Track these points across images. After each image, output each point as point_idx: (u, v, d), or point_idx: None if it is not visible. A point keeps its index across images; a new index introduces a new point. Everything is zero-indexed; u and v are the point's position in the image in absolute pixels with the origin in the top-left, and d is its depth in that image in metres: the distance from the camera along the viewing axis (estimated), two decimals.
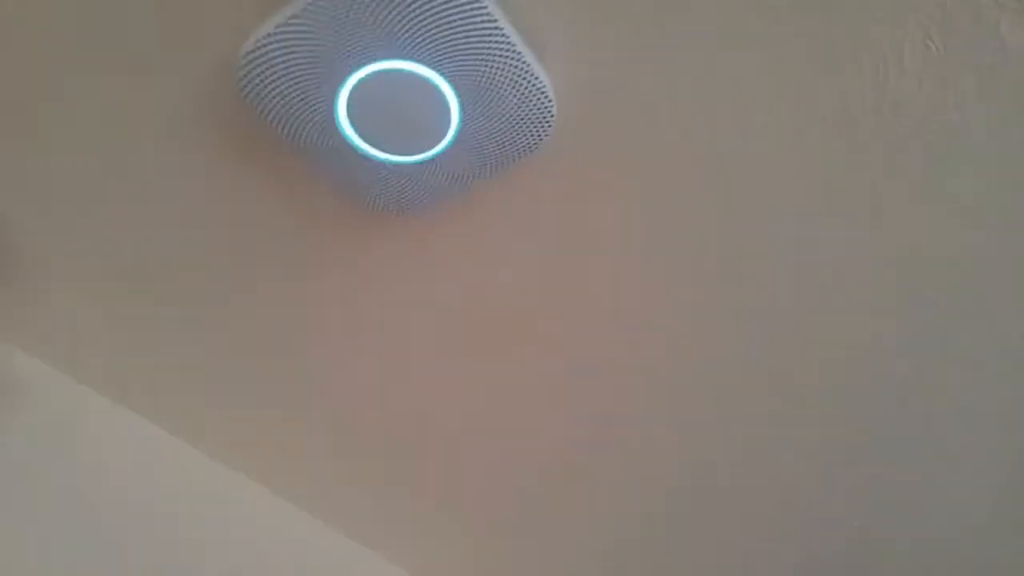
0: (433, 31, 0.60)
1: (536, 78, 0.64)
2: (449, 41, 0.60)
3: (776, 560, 1.30)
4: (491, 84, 0.64)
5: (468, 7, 0.59)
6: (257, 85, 0.64)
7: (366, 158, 0.68)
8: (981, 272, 0.82)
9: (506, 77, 0.64)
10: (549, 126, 0.68)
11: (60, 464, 0.99)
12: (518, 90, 0.65)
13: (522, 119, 0.67)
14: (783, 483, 1.11)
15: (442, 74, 0.62)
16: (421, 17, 0.59)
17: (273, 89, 0.64)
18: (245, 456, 1.17)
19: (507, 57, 0.62)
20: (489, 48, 0.61)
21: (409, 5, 0.58)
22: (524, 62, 0.63)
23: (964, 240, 0.79)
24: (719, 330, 0.91)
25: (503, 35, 0.61)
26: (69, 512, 0.97)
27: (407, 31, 0.59)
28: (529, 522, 1.25)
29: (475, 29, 0.60)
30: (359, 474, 1.18)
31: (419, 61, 0.62)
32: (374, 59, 0.61)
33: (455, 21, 0.59)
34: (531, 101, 0.66)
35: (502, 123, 0.67)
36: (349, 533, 1.29)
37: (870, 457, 1.05)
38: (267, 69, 0.62)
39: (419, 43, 0.60)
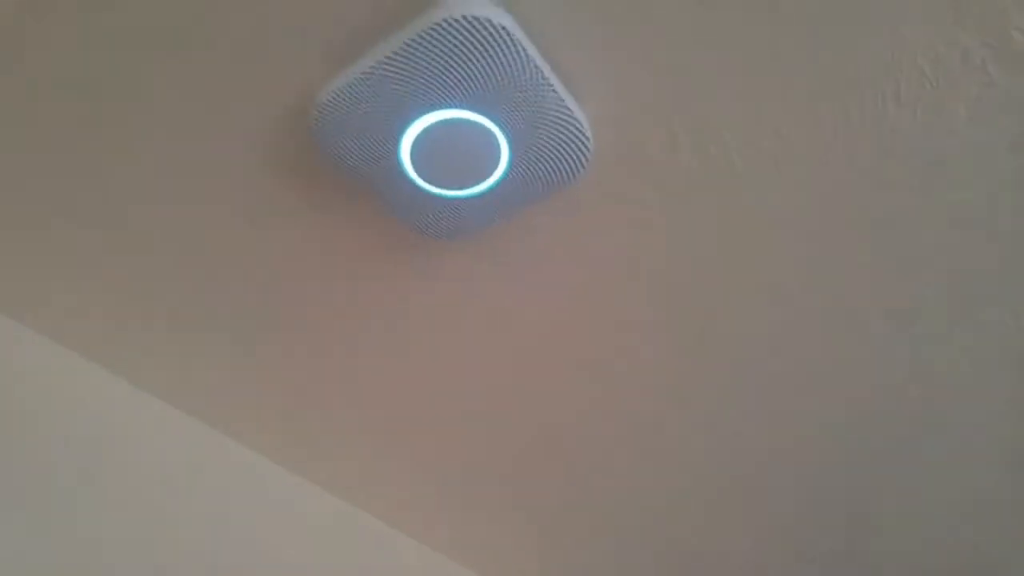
0: (486, 83, 0.68)
1: (575, 119, 0.73)
2: (501, 91, 0.68)
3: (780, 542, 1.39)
4: (536, 126, 0.72)
5: (517, 61, 0.67)
6: (328, 133, 0.72)
7: (425, 194, 0.77)
8: (973, 275, 0.91)
9: (550, 119, 0.72)
10: (586, 160, 0.76)
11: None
12: (560, 130, 0.73)
13: (563, 154, 0.75)
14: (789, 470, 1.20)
15: (494, 120, 0.71)
16: (476, 71, 0.67)
17: (343, 137, 0.72)
18: (298, 452, 1.26)
19: (551, 102, 0.71)
20: (536, 96, 0.70)
21: (465, 61, 0.66)
22: (566, 106, 0.71)
23: (955, 246, 0.87)
24: (741, 335, 0.99)
25: (548, 84, 0.69)
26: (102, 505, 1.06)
27: (463, 83, 0.68)
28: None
29: (523, 80, 0.68)
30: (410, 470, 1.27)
31: (474, 109, 0.70)
32: (434, 108, 0.70)
33: (506, 74, 0.67)
34: (571, 139, 0.74)
35: (545, 158, 0.75)
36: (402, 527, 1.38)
37: (873, 440, 1.14)
38: (339, 120, 0.71)
39: (474, 94, 0.69)
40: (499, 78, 0.67)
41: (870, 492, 1.26)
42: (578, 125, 0.73)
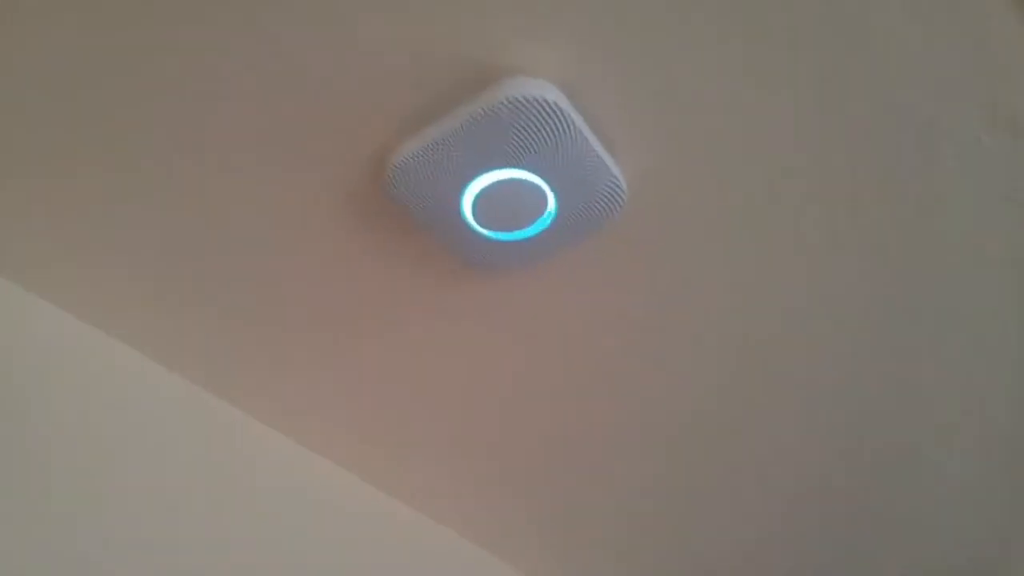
0: (539, 149, 0.79)
1: (613, 173, 0.84)
2: (551, 155, 0.80)
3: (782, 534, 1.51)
4: (579, 180, 0.83)
5: (566, 131, 0.78)
6: (400, 190, 0.83)
7: (481, 237, 0.88)
8: (973, 285, 1.02)
9: (590, 175, 0.83)
10: (621, 207, 0.87)
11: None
12: (598, 182, 0.84)
13: (600, 203, 0.86)
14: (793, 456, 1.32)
15: (543, 178, 0.82)
16: (531, 141, 0.78)
17: (413, 193, 0.83)
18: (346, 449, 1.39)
19: (592, 161, 0.82)
20: (580, 157, 0.81)
21: (522, 133, 0.77)
22: (605, 164, 0.82)
23: (951, 261, 0.99)
24: (751, 346, 1.11)
25: (591, 146, 0.80)
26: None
27: (519, 150, 0.79)
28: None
29: (570, 145, 0.79)
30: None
31: (527, 169, 0.81)
32: (492, 169, 0.81)
33: (556, 141, 0.78)
34: (608, 190, 0.85)
35: (585, 206, 0.86)
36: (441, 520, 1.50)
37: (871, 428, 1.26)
38: (409, 179, 0.82)
39: (528, 158, 0.80)
40: (550, 145, 0.79)
41: (876, 491, 1.38)
42: (615, 180, 0.84)
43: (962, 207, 0.91)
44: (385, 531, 1.45)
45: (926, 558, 1.55)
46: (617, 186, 0.85)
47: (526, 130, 0.77)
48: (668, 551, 1.62)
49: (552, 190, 0.84)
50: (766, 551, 1.59)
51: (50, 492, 1.00)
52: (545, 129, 0.77)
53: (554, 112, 0.76)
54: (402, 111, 0.82)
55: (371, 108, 0.83)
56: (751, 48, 0.77)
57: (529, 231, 0.88)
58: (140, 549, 1.05)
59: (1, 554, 0.91)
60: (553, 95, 0.76)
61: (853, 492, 1.40)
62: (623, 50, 0.77)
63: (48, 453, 1.02)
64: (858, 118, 0.82)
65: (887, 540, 1.51)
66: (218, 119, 0.85)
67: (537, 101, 0.75)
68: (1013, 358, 1.10)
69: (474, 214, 0.85)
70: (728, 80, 0.79)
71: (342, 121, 0.84)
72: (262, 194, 0.93)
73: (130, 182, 0.92)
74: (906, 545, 1.52)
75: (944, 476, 1.33)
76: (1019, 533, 1.47)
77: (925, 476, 1.34)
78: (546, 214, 0.86)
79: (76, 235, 0.98)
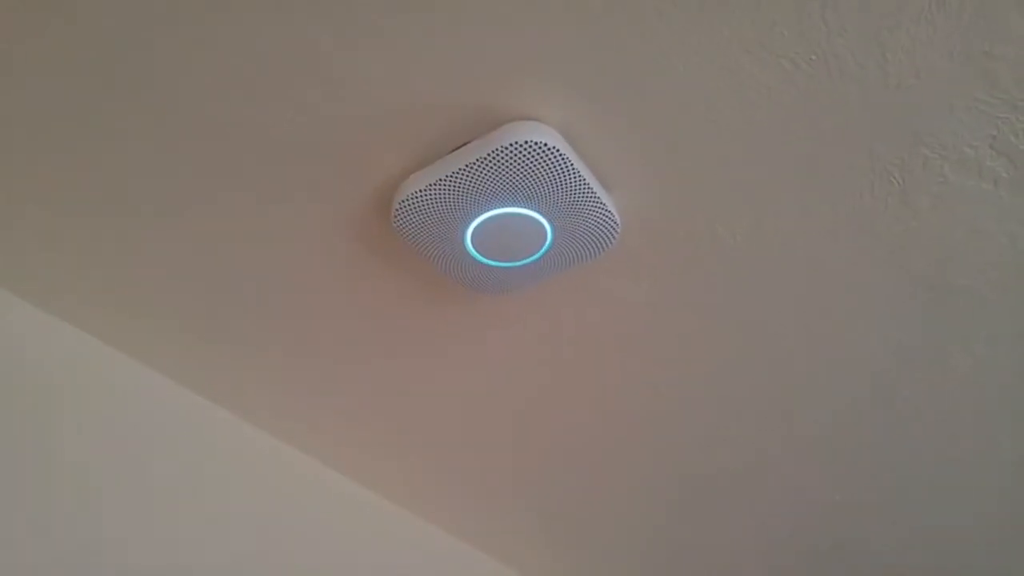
0: (539, 188, 0.84)
1: (608, 210, 0.89)
2: (550, 193, 0.84)
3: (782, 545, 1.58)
4: (575, 215, 0.88)
5: (565, 171, 0.82)
6: (405, 222, 0.88)
7: (481, 265, 0.93)
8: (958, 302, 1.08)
9: (586, 209, 0.88)
10: (615, 239, 0.92)
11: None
12: (593, 217, 0.89)
13: (594, 235, 0.91)
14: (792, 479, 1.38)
15: (542, 213, 0.87)
16: (532, 181, 0.83)
17: (418, 226, 0.88)
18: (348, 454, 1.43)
19: (588, 197, 0.86)
20: (577, 193, 0.85)
21: (524, 174, 0.82)
22: (599, 200, 0.87)
23: (927, 285, 1.05)
24: (734, 364, 1.17)
25: (587, 184, 0.85)
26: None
27: (521, 189, 0.83)
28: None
29: (568, 183, 0.84)
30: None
31: (526, 206, 0.86)
32: (494, 207, 0.86)
33: (555, 180, 0.83)
34: (602, 224, 0.90)
35: (580, 239, 0.91)
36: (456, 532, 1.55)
37: (870, 455, 1.33)
38: (415, 214, 0.87)
39: (528, 195, 0.84)
40: (549, 184, 0.83)
41: (873, 489, 1.45)
42: (609, 215, 0.89)
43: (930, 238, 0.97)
44: (399, 539, 1.51)
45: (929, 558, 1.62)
46: (611, 220, 0.90)
47: (528, 171, 0.82)
48: (668, 559, 1.69)
49: (550, 224, 0.89)
50: (768, 561, 1.66)
51: (101, 516, 1.05)
52: (546, 170, 0.82)
53: (556, 155, 0.81)
54: (409, 150, 0.87)
55: (380, 146, 0.87)
56: (741, 97, 0.82)
57: (527, 260, 0.93)
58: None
59: None
60: (554, 139, 0.81)
61: (854, 514, 1.47)
62: (621, 95, 0.81)
63: (74, 463, 1.06)
64: (836, 161, 0.88)
65: (886, 538, 1.59)
66: (235, 161, 0.89)
67: (540, 145, 0.80)
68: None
69: (475, 245, 0.90)
70: (721, 125, 0.84)
71: (351, 159, 0.89)
72: (274, 227, 0.97)
73: (148, 221, 0.96)
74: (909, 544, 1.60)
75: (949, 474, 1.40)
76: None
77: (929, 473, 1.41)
78: (544, 246, 0.91)
79: (102, 269, 1.02)
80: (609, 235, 0.91)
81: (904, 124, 0.83)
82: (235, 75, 0.81)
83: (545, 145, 0.80)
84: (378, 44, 0.77)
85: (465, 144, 0.85)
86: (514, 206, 0.86)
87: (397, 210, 0.87)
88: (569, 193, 0.85)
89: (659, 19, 0.74)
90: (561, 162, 0.81)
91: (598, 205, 0.88)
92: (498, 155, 0.80)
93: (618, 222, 0.90)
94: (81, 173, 0.93)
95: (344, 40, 0.77)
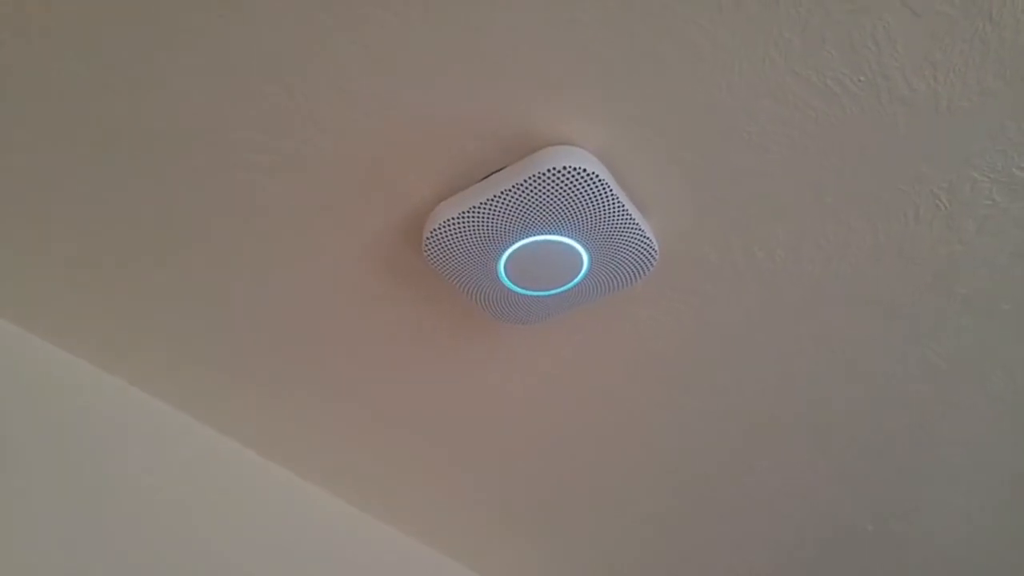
0: (576, 215, 0.81)
1: (647, 236, 0.86)
2: (587, 220, 0.81)
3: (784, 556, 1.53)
4: (613, 242, 0.85)
5: (603, 197, 0.79)
6: (437, 251, 0.85)
7: (515, 294, 0.89)
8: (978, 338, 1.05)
9: (624, 236, 0.85)
10: (652, 266, 0.89)
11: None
12: (631, 244, 0.86)
13: (632, 262, 0.88)
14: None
15: (578, 240, 0.84)
16: (570, 207, 0.80)
17: (450, 255, 0.85)
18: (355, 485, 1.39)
19: (626, 222, 0.83)
20: (614, 219, 0.82)
21: (561, 200, 0.79)
22: (638, 225, 0.84)
23: (961, 317, 1.02)
24: (758, 385, 1.13)
25: (625, 210, 0.82)
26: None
27: (557, 216, 0.81)
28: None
29: (605, 209, 0.81)
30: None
31: (563, 233, 0.83)
32: (530, 235, 0.83)
33: (593, 207, 0.80)
34: (640, 250, 0.87)
35: (617, 266, 0.88)
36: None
37: (878, 464, 1.29)
38: (447, 242, 0.84)
39: (565, 223, 0.81)
40: (588, 211, 0.80)
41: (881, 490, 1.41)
42: (648, 241, 0.86)
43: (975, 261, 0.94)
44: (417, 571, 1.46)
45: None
46: (650, 247, 0.87)
47: (566, 198, 0.79)
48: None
49: (586, 251, 0.85)
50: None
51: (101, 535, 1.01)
52: (585, 197, 0.79)
53: (595, 181, 0.78)
54: (441, 177, 0.84)
55: (412, 174, 0.84)
56: (786, 120, 0.79)
57: (561, 288, 0.90)
58: None
59: None
60: (593, 165, 0.78)
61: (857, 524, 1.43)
62: (663, 118, 0.79)
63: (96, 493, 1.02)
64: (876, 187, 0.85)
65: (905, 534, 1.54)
66: (265, 193, 0.87)
67: (579, 171, 0.77)
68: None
69: (508, 274, 0.87)
70: (764, 147, 0.82)
71: (377, 184, 0.86)
72: (298, 254, 0.94)
73: (176, 254, 0.94)
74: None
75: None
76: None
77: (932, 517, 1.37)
78: (580, 274, 0.88)
79: (118, 305, 0.99)
80: (647, 262, 0.88)
81: (954, 146, 0.81)
82: (257, 97, 0.78)
83: (584, 171, 0.77)
84: (406, 66, 0.75)
85: (500, 169, 0.82)
86: (550, 233, 0.83)
87: (428, 238, 0.84)
88: (607, 220, 0.82)
89: (705, 40, 0.72)
90: (600, 188, 0.79)
91: (636, 231, 0.85)
92: (535, 181, 0.78)
93: (656, 249, 0.87)
94: (93, 206, 0.90)
95: (370, 60, 0.74)
